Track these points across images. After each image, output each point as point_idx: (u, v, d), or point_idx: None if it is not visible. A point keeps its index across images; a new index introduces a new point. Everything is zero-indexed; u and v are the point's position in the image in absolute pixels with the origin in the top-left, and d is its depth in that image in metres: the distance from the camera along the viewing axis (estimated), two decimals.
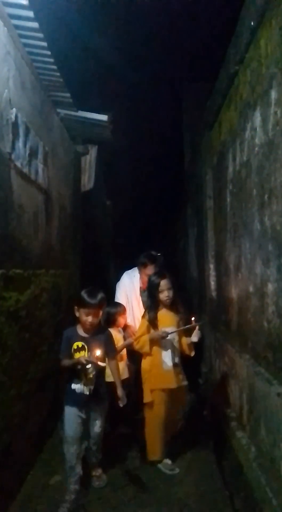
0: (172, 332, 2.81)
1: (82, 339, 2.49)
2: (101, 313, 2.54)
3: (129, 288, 3.67)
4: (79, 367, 2.44)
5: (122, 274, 3.84)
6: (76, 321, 2.56)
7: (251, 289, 2.54)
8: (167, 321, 2.87)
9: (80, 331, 2.53)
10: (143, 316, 2.98)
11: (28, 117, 2.80)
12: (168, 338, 2.80)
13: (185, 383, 2.93)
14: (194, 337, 2.89)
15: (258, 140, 2.34)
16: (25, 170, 2.71)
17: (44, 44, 2.78)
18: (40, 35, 2.68)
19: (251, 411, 2.50)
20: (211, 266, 4.33)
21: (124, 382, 2.87)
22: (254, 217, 2.43)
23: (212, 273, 4.32)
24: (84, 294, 2.46)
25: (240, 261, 2.85)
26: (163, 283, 2.84)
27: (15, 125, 2.49)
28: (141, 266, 3.54)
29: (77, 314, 2.50)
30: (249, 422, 2.55)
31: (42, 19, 2.63)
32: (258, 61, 2.34)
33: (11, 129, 2.43)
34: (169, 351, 2.83)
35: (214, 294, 4.28)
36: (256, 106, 2.35)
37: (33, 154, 2.87)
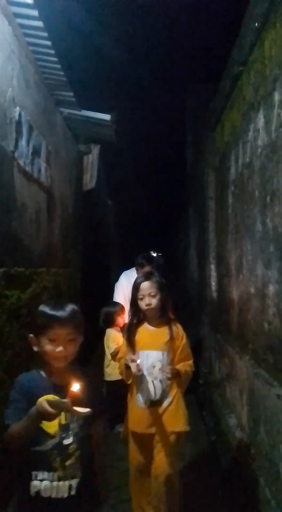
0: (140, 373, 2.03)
1: (51, 389, 1.36)
2: (77, 339, 1.44)
3: (127, 288, 3.68)
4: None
5: (120, 274, 3.86)
6: (36, 362, 1.54)
7: (252, 290, 2.55)
8: (149, 341, 2.12)
9: (47, 378, 1.45)
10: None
11: (32, 116, 2.81)
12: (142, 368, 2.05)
13: (175, 429, 2.11)
14: (165, 373, 2.07)
15: (261, 142, 2.34)
16: (28, 168, 2.71)
17: (48, 43, 2.79)
18: (45, 34, 2.69)
19: (250, 413, 2.50)
20: (212, 267, 4.33)
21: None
22: (256, 219, 2.43)
23: (213, 274, 4.32)
24: (43, 307, 1.44)
25: (241, 263, 2.85)
26: (144, 287, 2.11)
27: (18, 123, 2.50)
28: (139, 266, 3.56)
29: (35, 348, 1.44)
30: (248, 423, 2.55)
31: (47, 18, 2.63)
32: (261, 62, 2.34)
33: (14, 127, 2.43)
34: (146, 384, 2.08)
35: (214, 295, 4.29)
36: (260, 107, 2.35)
37: (36, 152, 2.88)
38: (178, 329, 2.20)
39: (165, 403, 2.11)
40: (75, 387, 1.28)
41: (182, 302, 7.61)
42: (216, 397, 3.61)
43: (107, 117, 4.14)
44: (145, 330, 2.17)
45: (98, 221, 7.47)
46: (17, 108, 2.48)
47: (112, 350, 3.32)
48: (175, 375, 2.05)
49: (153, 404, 2.09)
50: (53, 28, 2.90)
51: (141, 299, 2.11)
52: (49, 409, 1.21)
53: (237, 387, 2.88)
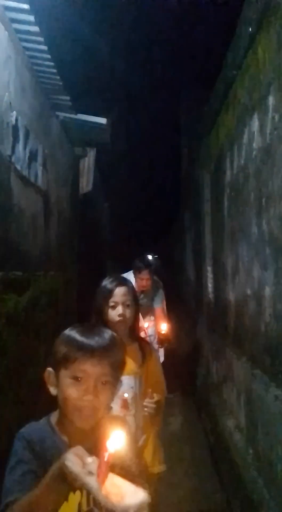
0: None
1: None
2: (114, 384, 1.00)
3: None
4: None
5: None
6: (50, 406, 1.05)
7: (248, 292, 2.56)
8: (127, 367, 1.62)
9: (59, 436, 0.97)
10: None
11: (28, 120, 2.82)
12: None
13: (154, 470, 1.77)
14: (146, 407, 1.68)
15: (256, 145, 2.36)
16: (25, 173, 2.72)
17: (44, 48, 2.81)
18: (41, 39, 2.71)
19: (248, 414, 2.51)
20: (209, 269, 4.35)
21: None
22: (251, 221, 2.45)
23: (209, 276, 4.34)
24: (70, 331, 1.00)
25: (238, 265, 2.87)
26: (119, 293, 1.69)
27: (15, 128, 2.51)
28: (136, 270, 3.57)
29: (53, 390, 0.98)
30: (246, 425, 2.56)
31: (43, 23, 2.65)
32: (256, 67, 2.37)
33: (11, 132, 2.44)
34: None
35: (211, 297, 4.30)
36: (254, 111, 2.38)
37: (32, 157, 2.89)
38: (150, 348, 1.85)
39: (140, 441, 1.69)
40: (113, 444, 0.73)
41: (179, 304, 7.62)
42: (214, 399, 3.62)
43: (103, 120, 4.17)
44: None
45: (95, 224, 7.48)
46: (14, 112, 2.49)
47: None
48: (158, 409, 1.65)
49: None
50: (49, 33, 2.92)
51: (113, 307, 1.67)
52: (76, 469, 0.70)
53: (235, 388, 2.89)
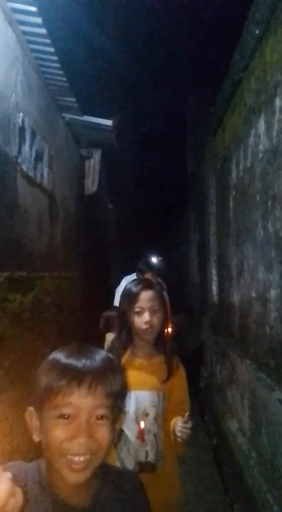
0: None
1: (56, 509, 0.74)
2: (115, 420, 0.78)
3: None
4: None
5: (121, 278, 3.88)
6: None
7: (253, 294, 2.56)
8: (140, 377, 1.50)
9: (48, 489, 0.76)
10: None
11: (35, 121, 2.83)
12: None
13: (171, 501, 1.55)
14: (180, 432, 1.41)
15: (262, 147, 2.36)
16: (31, 173, 2.73)
17: (51, 49, 2.82)
18: (48, 40, 2.72)
19: (252, 417, 2.50)
20: (213, 271, 4.34)
21: None
22: (257, 223, 2.44)
23: (214, 278, 4.33)
24: (56, 354, 0.83)
25: (243, 267, 2.86)
26: (145, 297, 1.51)
27: (21, 129, 2.52)
28: (139, 273, 3.57)
29: (36, 437, 0.79)
30: (250, 427, 2.55)
31: (50, 25, 2.67)
32: (262, 68, 2.36)
33: (18, 133, 2.46)
34: (146, 440, 1.48)
35: (215, 299, 4.29)
36: (261, 113, 2.38)
37: (38, 157, 2.90)
38: (177, 362, 1.61)
39: (159, 467, 1.48)
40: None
41: (183, 306, 7.61)
42: (217, 401, 3.61)
43: (108, 122, 4.18)
44: (134, 361, 1.53)
45: (100, 224, 7.50)
46: (21, 113, 2.50)
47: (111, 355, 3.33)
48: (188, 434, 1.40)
49: (145, 468, 1.44)
50: (56, 35, 2.93)
51: (138, 313, 1.48)
52: None
53: (239, 391, 2.88)
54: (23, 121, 2.53)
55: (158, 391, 1.51)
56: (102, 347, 3.58)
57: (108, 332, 3.25)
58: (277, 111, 2.08)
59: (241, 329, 2.96)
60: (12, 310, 2.39)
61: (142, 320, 1.49)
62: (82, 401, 0.72)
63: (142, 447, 1.46)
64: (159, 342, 1.57)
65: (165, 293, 3.95)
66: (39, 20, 2.50)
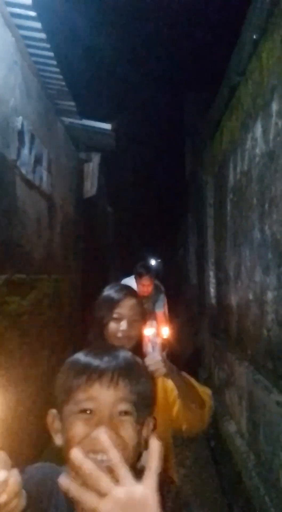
0: None
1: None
2: (140, 423, 0.70)
3: None
4: None
5: (120, 281, 3.89)
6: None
7: (250, 297, 2.57)
8: None
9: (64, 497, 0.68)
10: None
11: (34, 125, 2.85)
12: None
13: None
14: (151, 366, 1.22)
15: (259, 150, 2.38)
16: (30, 177, 2.75)
17: (50, 54, 2.84)
18: (47, 45, 2.74)
19: (250, 419, 2.51)
20: (211, 273, 4.36)
21: None
22: (254, 226, 2.46)
23: (212, 280, 4.35)
24: (76, 356, 0.77)
25: (240, 269, 2.87)
26: (126, 305, 1.39)
27: (20, 133, 2.54)
28: (137, 276, 3.58)
29: (58, 439, 0.72)
30: (248, 430, 2.55)
31: (49, 30, 2.69)
32: (259, 73, 2.39)
33: (17, 136, 2.47)
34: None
35: (213, 301, 4.31)
36: (257, 117, 2.40)
37: (37, 161, 2.92)
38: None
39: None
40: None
41: (181, 308, 7.62)
42: (216, 403, 3.61)
43: (107, 126, 4.20)
44: None
45: (98, 227, 7.51)
46: (20, 117, 2.52)
47: None
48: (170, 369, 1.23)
49: None
50: (55, 39, 2.96)
51: (117, 319, 1.36)
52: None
53: (237, 393, 2.89)
54: (22, 125, 2.55)
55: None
56: None
57: None
58: (274, 115, 2.11)
59: (239, 331, 2.98)
60: (11, 312, 2.40)
61: (119, 328, 1.34)
62: (104, 393, 0.67)
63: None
64: (137, 354, 1.32)
65: (162, 295, 3.97)
66: (38, 24, 2.52)
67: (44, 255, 3.18)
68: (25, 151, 2.64)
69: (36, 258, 2.96)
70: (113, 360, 0.72)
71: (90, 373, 0.69)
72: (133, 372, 0.72)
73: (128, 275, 3.89)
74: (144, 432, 0.71)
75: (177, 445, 3.05)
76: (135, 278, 3.64)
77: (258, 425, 2.30)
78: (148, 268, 3.60)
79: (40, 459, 2.95)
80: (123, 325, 1.35)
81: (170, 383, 1.32)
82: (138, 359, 0.80)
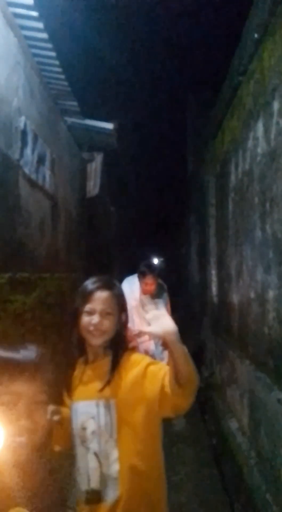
0: None
1: None
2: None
3: (129, 294, 3.70)
4: None
5: (123, 279, 3.90)
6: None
7: (252, 295, 2.58)
8: (79, 389, 1.31)
9: None
10: None
11: (37, 125, 2.87)
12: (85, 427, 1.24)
13: None
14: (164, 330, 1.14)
15: (260, 150, 2.39)
16: (33, 176, 2.77)
17: (53, 54, 2.86)
18: (49, 45, 2.77)
19: (251, 417, 2.52)
20: (213, 272, 4.37)
21: None
22: (255, 225, 2.47)
23: (213, 278, 4.36)
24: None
25: (242, 268, 2.89)
26: (99, 297, 1.31)
27: (24, 132, 2.56)
28: (140, 275, 3.58)
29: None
30: (249, 427, 2.57)
31: (51, 30, 2.71)
32: (261, 72, 2.40)
33: (20, 136, 2.50)
34: (81, 462, 1.24)
35: (215, 299, 4.32)
36: (259, 116, 2.41)
37: (40, 161, 2.94)
38: (135, 360, 1.28)
39: (110, 499, 1.19)
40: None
41: (184, 306, 7.63)
42: (217, 401, 3.63)
43: (109, 125, 4.22)
44: (81, 368, 1.34)
45: (101, 226, 7.54)
46: (23, 117, 2.54)
47: None
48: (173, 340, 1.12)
49: (90, 498, 1.20)
50: (57, 39, 2.97)
51: (89, 313, 1.28)
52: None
53: (238, 391, 2.90)
54: (25, 124, 2.57)
55: (97, 399, 1.23)
56: None
57: None
58: (275, 115, 2.12)
59: (240, 329, 2.99)
60: (14, 310, 2.42)
61: (89, 320, 1.28)
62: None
63: (85, 471, 1.21)
64: (115, 345, 1.30)
65: (165, 294, 3.98)
66: (40, 25, 2.54)
67: (47, 254, 3.20)
68: (28, 151, 2.66)
69: (39, 257, 2.98)
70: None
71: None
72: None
73: (131, 273, 3.90)
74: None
75: (179, 442, 3.07)
76: (138, 277, 3.65)
77: (259, 422, 2.31)
78: (151, 267, 3.60)
79: (40, 457, 2.97)
80: (95, 318, 1.28)
81: (154, 368, 1.24)
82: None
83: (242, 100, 2.88)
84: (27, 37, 2.67)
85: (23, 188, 2.58)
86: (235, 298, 3.19)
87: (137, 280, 3.70)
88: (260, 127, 2.40)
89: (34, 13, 2.43)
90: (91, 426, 1.23)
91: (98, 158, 5.11)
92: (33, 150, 2.75)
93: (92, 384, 1.27)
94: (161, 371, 1.21)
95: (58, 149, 3.60)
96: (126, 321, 1.37)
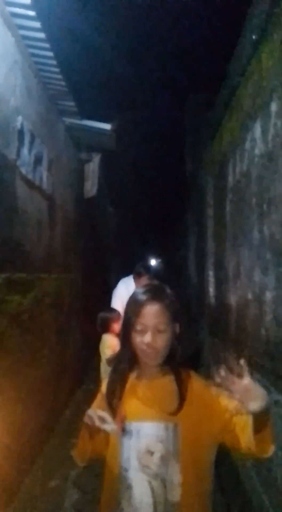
0: None
1: None
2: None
3: (125, 295, 3.69)
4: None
5: (119, 281, 3.90)
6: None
7: (249, 296, 2.58)
8: (142, 408, 1.18)
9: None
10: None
11: (34, 124, 2.86)
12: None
13: None
14: (253, 403, 1.00)
15: (258, 151, 2.39)
16: (30, 176, 2.76)
17: (51, 54, 2.85)
18: (47, 45, 2.75)
19: None
20: (211, 273, 4.37)
21: None
22: (253, 226, 2.47)
23: (211, 280, 4.36)
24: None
25: (239, 269, 2.88)
26: (150, 312, 1.17)
27: (21, 132, 2.55)
28: (136, 275, 3.57)
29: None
30: None
31: (49, 29, 2.70)
32: (259, 74, 2.40)
33: (17, 136, 2.49)
34: (137, 488, 1.13)
35: (213, 300, 4.31)
36: (257, 117, 2.41)
37: (38, 161, 2.93)
38: (194, 380, 1.21)
39: None
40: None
41: (182, 307, 7.62)
42: None
43: (107, 126, 4.21)
44: (138, 386, 1.21)
45: (99, 227, 7.53)
46: (20, 117, 2.53)
47: (107, 356, 3.35)
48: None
49: None
50: (55, 39, 2.96)
51: (141, 332, 1.16)
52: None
53: None
54: (22, 124, 2.56)
55: (167, 421, 1.13)
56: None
57: (105, 333, 3.28)
58: (273, 116, 2.11)
59: (238, 330, 2.98)
60: (11, 311, 2.41)
61: (143, 339, 1.16)
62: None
63: (147, 498, 1.11)
64: (171, 361, 1.21)
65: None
66: (38, 24, 2.53)
67: (44, 254, 3.19)
68: (25, 150, 2.65)
69: (36, 257, 2.97)
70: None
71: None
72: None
73: (128, 274, 3.89)
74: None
75: None
76: (134, 277, 3.64)
77: None
78: (147, 268, 3.60)
79: (40, 456, 2.96)
80: (147, 338, 1.15)
81: (222, 398, 1.13)
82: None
83: (240, 101, 2.88)
84: (24, 37, 2.65)
85: (20, 188, 2.57)
86: (232, 299, 3.18)
87: (132, 282, 3.69)
88: (258, 128, 2.39)
89: (32, 13, 2.42)
90: (159, 450, 1.13)
91: (96, 158, 5.10)
92: (30, 150, 2.74)
93: (155, 404, 1.17)
94: (231, 403, 1.10)
95: (55, 149, 3.59)
96: (181, 332, 1.23)
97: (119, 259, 11.40)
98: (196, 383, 1.19)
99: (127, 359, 1.23)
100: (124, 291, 3.71)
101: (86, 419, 1.09)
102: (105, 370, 3.53)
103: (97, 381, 3.43)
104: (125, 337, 1.21)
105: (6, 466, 2.35)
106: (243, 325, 2.76)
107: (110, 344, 3.42)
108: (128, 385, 1.22)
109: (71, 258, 4.36)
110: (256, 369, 2.42)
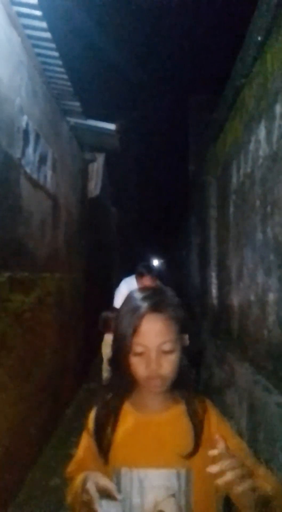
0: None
1: None
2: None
3: None
4: None
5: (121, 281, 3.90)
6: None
7: (252, 298, 2.58)
8: (147, 451, 0.89)
9: None
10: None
11: (39, 124, 2.87)
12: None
13: None
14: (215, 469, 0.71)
15: (262, 153, 2.39)
16: (34, 176, 2.77)
17: (56, 54, 2.86)
18: (52, 45, 2.76)
19: (250, 420, 2.51)
20: (213, 274, 4.36)
21: None
22: (256, 228, 2.47)
23: (214, 281, 4.36)
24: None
25: (242, 270, 2.88)
26: (151, 329, 0.88)
27: (26, 132, 2.56)
28: (138, 276, 3.57)
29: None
30: (248, 430, 2.56)
31: (55, 29, 2.71)
32: (264, 75, 2.40)
33: (22, 136, 2.50)
34: None
35: (215, 301, 4.31)
36: (261, 119, 2.41)
37: (42, 160, 2.94)
38: (211, 413, 0.97)
39: None
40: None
41: (184, 308, 7.61)
42: (216, 404, 3.62)
43: (112, 126, 4.22)
44: (137, 419, 0.93)
45: (102, 227, 7.54)
46: (25, 116, 2.54)
47: (109, 356, 3.36)
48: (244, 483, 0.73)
49: None
50: (61, 39, 2.97)
51: (141, 355, 0.89)
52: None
53: (237, 394, 2.90)
54: (27, 124, 2.57)
55: (179, 467, 0.87)
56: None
57: (106, 332, 3.29)
58: (277, 117, 2.11)
59: (240, 332, 2.98)
60: (14, 310, 2.42)
61: (143, 366, 0.88)
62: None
63: None
64: (180, 387, 0.94)
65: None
66: (44, 24, 2.54)
67: (47, 254, 3.20)
68: (30, 150, 2.66)
69: (39, 257, 2.98)
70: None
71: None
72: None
73: (130, 274, 3.89)
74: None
75: None
76: (136, 277, 3.64)
77: (258, 426, 2.31)
78: (149, 268, 3.60)
79: (40, 455, 2.97)
80: (151, 363, 0.87)
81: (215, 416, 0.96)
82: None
83: (245, 103, 2.88)
84: (30, 37, 2.67)
85: (24, 187, 2.58)
86: (235, 300, 3.18)
87: (134, 282, 3.69)
88: (262, 129, 2.39)
89: (38, 12, 2.43)
90: (171, 507, 0.85)
91: (100, 158, 5.11)
92: (35, 150, 2.75)
93: (162, 444, 0.88)
94: (242, 452, 0.88)
95: (60, 149, 3.60)
96: (186, 344, 0.95)
97: (122, 259, 11.41)
98: (213, 417, 0.95)
99: (122, 387, 0.94)
100: (126, 291, 3.70)
101: (84, 496, 0.80)
102: (106, 370, 3.54)
103: (99, 381, 3.44)
104: (119, 362, 0.91)
105: (7, 465, 2.36)
106: (246, 326, 2.76)
107: (111, 343, 3.43)
108: (123, 417, 0.93)
109: (74, 258, 4.37)
110: (258, 370, 2.42)
